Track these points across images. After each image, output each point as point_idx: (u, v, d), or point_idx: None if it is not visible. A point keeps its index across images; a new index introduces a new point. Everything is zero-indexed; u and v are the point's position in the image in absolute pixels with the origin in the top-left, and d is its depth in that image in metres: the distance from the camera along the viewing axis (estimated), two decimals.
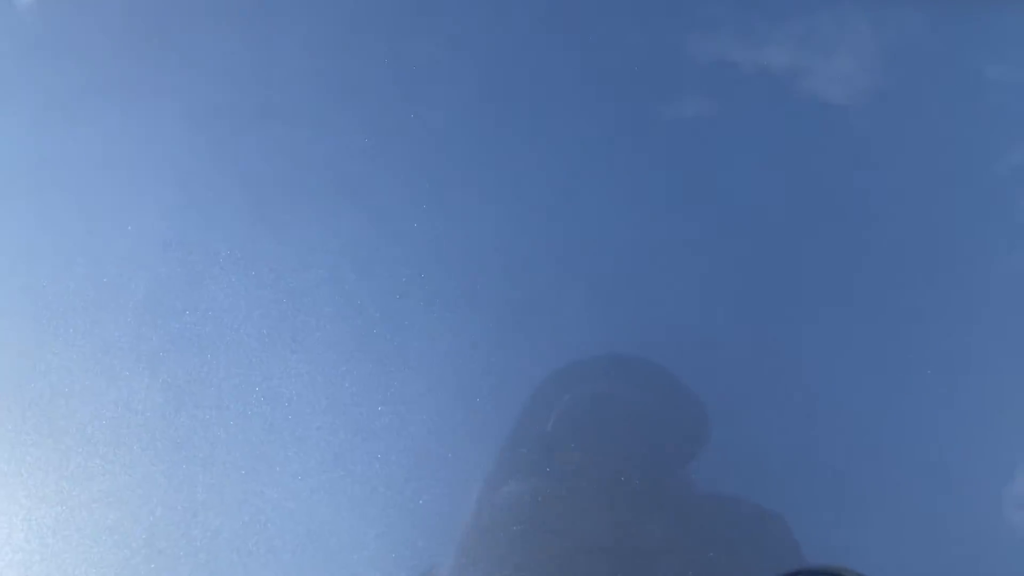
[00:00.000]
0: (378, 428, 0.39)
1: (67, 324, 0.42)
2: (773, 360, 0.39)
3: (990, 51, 0.44)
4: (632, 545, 0.37)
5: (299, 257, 0.41)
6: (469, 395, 0.39)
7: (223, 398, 0.40)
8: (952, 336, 0.40)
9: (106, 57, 0.46)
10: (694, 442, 0.38)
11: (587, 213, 0.42)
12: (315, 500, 0.38)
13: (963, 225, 0.41)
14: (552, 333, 0.40)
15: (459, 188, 0.42)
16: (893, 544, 0.37)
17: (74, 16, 0.46)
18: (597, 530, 0.37)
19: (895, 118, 0.43)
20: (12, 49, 0.46)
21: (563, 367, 0.39)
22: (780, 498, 0.38)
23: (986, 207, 0.41)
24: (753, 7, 0.44)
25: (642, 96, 0.44)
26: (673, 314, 0.40)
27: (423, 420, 0.39)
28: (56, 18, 0.46)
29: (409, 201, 0.42)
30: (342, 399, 0.39)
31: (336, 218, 0.42)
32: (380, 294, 0.41)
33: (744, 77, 0.43)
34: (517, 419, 0.39)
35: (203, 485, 0.39)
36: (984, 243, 0.41)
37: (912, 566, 0.37)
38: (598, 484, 0.38)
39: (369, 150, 0.43)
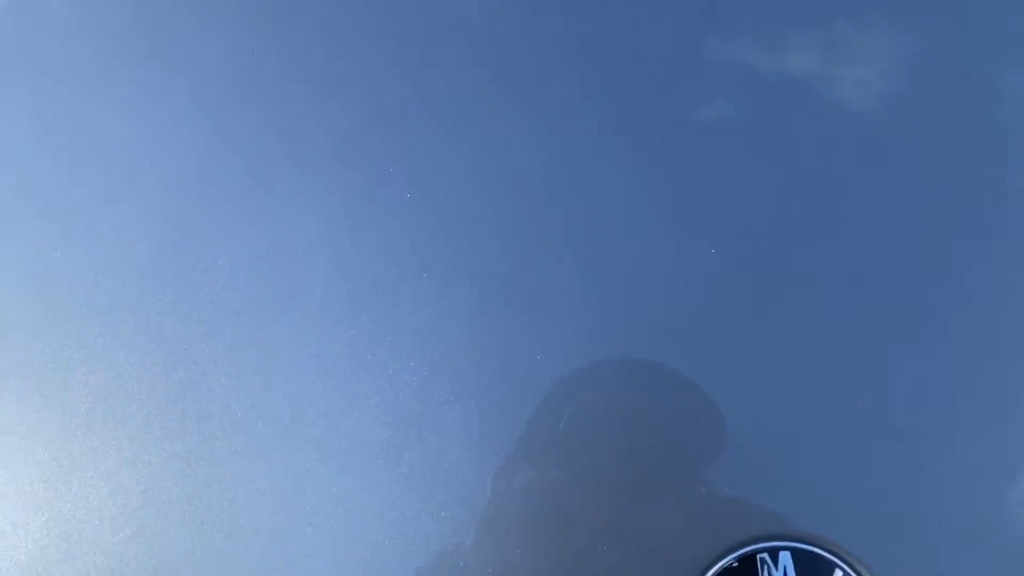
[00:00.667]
0: (396, 421, 0.40)
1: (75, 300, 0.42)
2: (791, 360, 0.40)
3: (1011, 58, 0.44)
4: (642, 533, 0.38)
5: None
6: (483, 383, 0.40)
7: (220, 361, 0.41)
8: (969, 339, 0.40)
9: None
10: (706, 436, 0.38)
11: (604, 213, 0.42)
12: (336, 480, 0.39)
13: (983, 231, 0.41)
14: (563, 326, 0.40)
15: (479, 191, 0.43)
16: (897, 539, 0.37)
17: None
18: (608, 518, 0.38)
19: (915, 124, 0.43)
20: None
21: (577, 360, 0.40)
22: (788, 493, 0.38)
23: (1007, 214, 0.41)
24: (773, 12, 0.45)
25: (660, 99, 0.44)
26: (690, 313, 0.40)
27: (437, 415, 0.40)
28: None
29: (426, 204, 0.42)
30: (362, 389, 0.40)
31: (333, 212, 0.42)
32: (381, 276, 0.41)
33: (763, 82, 0.43)
34: (531, 411, 0.39)
35: (198, 436, 0.40)
36: (1005, 249, 0.41)
37: (917, 562, 0.37)
38: (610, 473, 0.38)
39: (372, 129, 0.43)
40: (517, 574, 0.38)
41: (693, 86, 0.44)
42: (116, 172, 0.44)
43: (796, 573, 0.37)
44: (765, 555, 0.37)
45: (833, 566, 0.37)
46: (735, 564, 0.37)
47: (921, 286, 0.41)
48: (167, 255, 0.43)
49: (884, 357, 0.39)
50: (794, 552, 0.37)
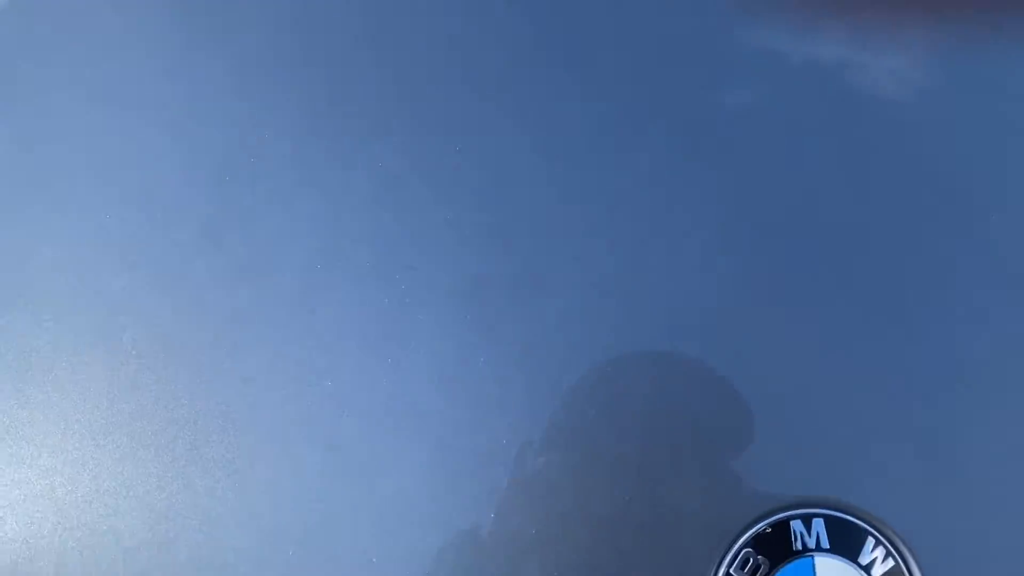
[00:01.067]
0: (416, 401, 0.39)
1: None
2: (823, 331, 0.40)
3: None
4: (660, 514, 0.37)
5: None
6: (503, 373, 0.39)
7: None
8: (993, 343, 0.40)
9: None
10: (735, 411, 0.38)
11: (627, 203, 0.42)
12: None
13: (1013, 227, 0.42)
14: (589, 315, 0.40)
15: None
16: (931, 507, 0.37)
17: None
18: (626, 501, 0.37)
19: (947, 116, 0.44)
20: None
21: (603, 347, 0.40)
22: (823, 461, 0.38)
23: None
24: None
25: (686, 83, 0.44)
26: (718, 299, 0.40)
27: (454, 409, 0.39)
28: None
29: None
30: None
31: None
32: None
33: (792, 68, 0.44)
34: (554, 401, 0.39)
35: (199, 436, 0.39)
36: None
37: (951, 531, 0.37)
38: (634, 450, 0.38)
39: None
40: (537, 555, 0.37)
41: (726, 74, 0.44)
42: (115, 172, 0.43)
43: (829, 540, 0.37)
44: (799, 522, 0.37)
45: (866, 533, 0.37)
46: (768, 530, 0.37)
47: (960, 282, 0.41)
48: (167, 255, 0.42)
49: (923, 323, 0.40)
50: (827, 519, 0.37)
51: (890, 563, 0.36)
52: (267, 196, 0.42)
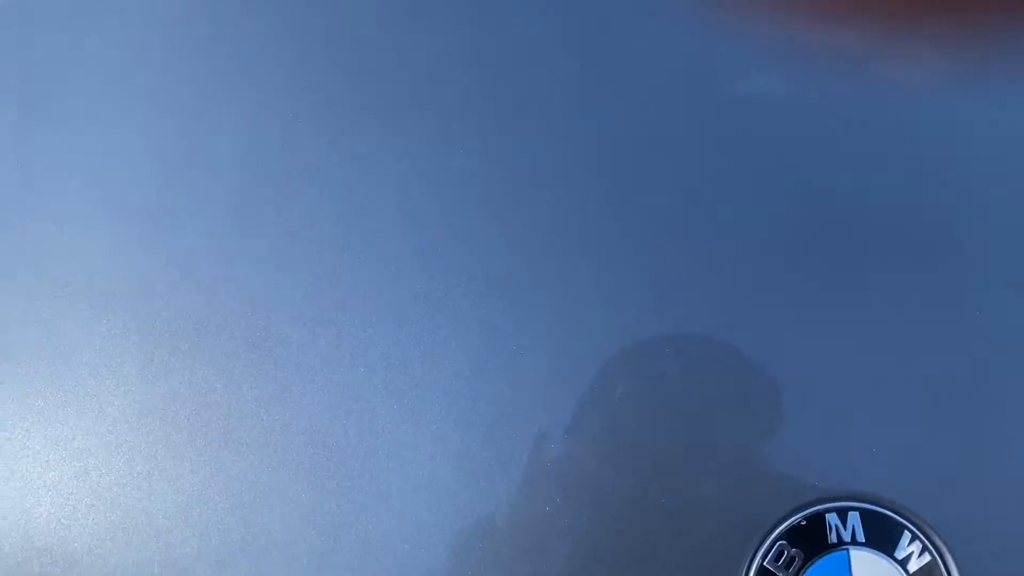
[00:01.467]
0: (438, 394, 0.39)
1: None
2: (854, 322, 0.39)
3: None
4: (692, 506, 0.37)
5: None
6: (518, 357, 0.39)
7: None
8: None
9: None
10: (766, 405, 0.38)
11: (649, 192, 0.42)
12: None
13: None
14: (606, 305, 0.40)
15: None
16: (968, 503, 0.37)
17: None
18: (658, 493, 0.37)
19: (972, 106, 0.43)
20: None
21: (622, 333, 0.39)
22: (859, 456, 0.38)
23: None
24: None
25: (706, 70, 0.43)
26: (751, 294, 0.40)
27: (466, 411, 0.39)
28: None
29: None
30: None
31: None
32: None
33: (816, 55, 0.43)
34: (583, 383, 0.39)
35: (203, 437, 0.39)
36: None
37: (988, 528, 0.36)
38: (662, 443, 0.38)
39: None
40: (568, 547, 0.37)
41: (749, 60, 0.44)
42: (116, 171, 0.43)
43: (865, 533, 0.36)
44: (834, 514, 0.37)
45: (902, 528, 0.36)
46: (803, 523, 0.36)
47: (988, 279, 0.40)
48: (201, 239, 0.42)
49: (965, 314, 0.39)
50: (863, 512, 0.36)
51: (926, 558, 0.36)
52: (296, 184, 0.42)
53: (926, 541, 0.36)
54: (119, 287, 0.41)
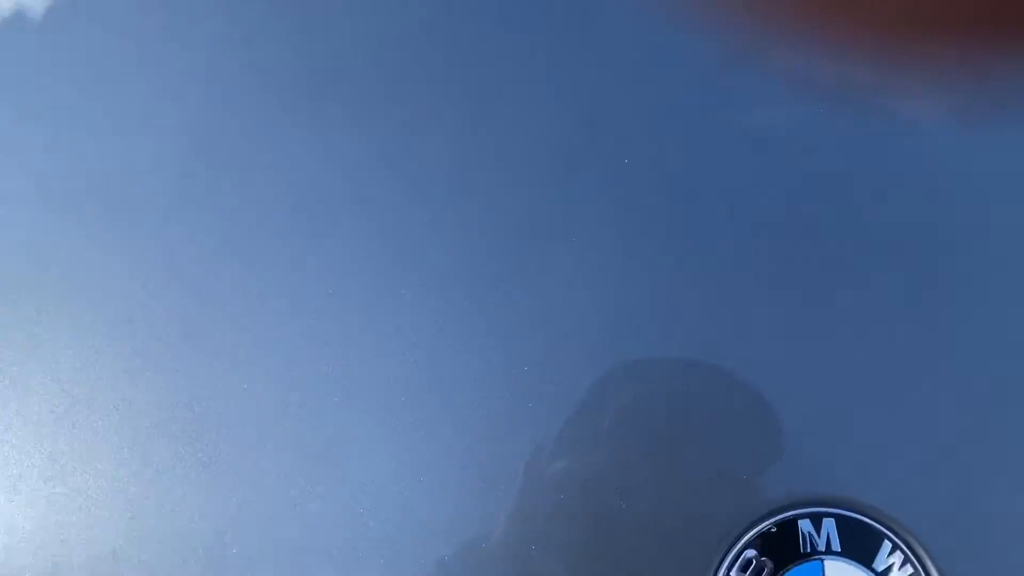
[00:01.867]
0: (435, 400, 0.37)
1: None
2: (836, 328, 0.37)
3: None
4: (661, 512, 0.35)
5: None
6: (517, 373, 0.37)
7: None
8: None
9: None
10: (735, 420, 0.36)
11: (642, 204, 0.39)
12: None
13: None
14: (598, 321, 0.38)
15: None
16: (949, 510, 0.34)
17: None
18: (625, 498, 0.35)
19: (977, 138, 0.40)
20: None
21: (614, 353, 0.37)
22: (833, 459, 0.35)
23: None
24: None
25: (710, 100, 0.41)
26: (725, 304, 0.37)
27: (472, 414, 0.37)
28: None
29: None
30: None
31: None
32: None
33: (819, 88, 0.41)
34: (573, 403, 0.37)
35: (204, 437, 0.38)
36: None
37: (970, 536, 0.34)
38: (643, 455, 0.36)
39: None
40: (549, 563, 0.35)
41: (752, 92, 0.42)
42: (115, 169, 0.42)
43: (840, 542, 0.34)
44: (807, 521, 0.34)
45: (881, 536, 0.34)
46: (773, 530, 0.34)
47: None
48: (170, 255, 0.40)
49: (944, 321, 0.36)
50: (839, 519, 0.34)
51: (908, 570, 0.33)
52: (280, 184, 0.41)
53: (907, 551, 0.33)
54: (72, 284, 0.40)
